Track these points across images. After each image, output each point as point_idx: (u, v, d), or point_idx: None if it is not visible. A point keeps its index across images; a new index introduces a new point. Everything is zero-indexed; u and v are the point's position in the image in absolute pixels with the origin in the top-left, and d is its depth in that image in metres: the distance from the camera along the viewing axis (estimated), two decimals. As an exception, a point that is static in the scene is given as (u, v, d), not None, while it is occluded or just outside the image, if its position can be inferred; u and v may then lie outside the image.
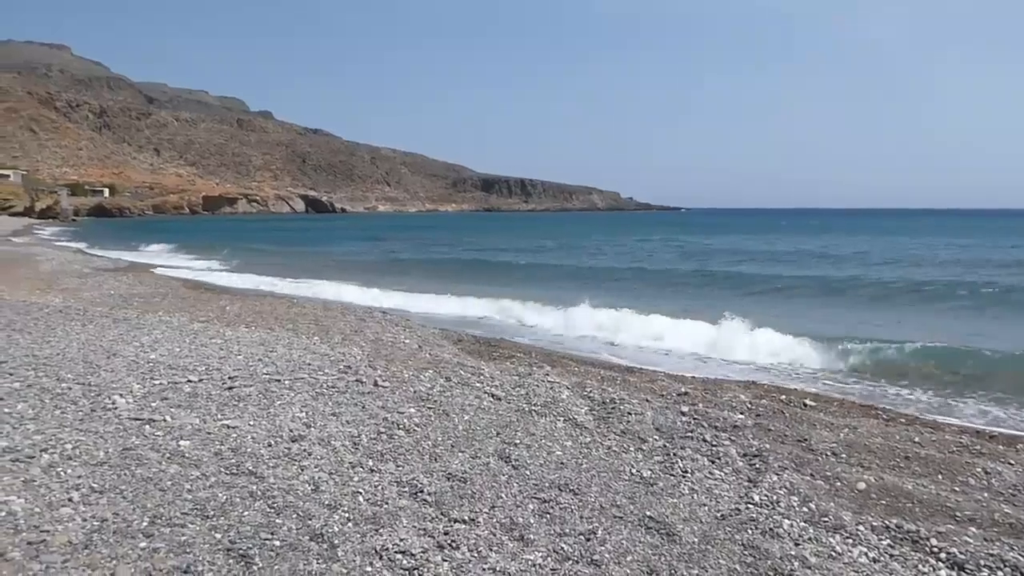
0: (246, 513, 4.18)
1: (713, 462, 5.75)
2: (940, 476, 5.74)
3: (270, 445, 5.31)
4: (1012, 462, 6.19)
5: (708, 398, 8.01)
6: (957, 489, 5.48)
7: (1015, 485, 5.60)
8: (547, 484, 5.01)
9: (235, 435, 5.46)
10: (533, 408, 6.97)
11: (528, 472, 5.22)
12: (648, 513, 4.63)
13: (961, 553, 4.25)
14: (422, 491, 4.69)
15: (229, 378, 7.19)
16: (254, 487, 4.55)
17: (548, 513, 4.54)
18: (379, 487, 4.73)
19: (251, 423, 5.79)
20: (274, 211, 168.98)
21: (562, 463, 5.50)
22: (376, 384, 7.34)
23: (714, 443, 6.20)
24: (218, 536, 3.89)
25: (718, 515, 4.72)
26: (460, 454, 5.48)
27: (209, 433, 5.46)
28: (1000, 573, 4.06)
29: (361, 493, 4.60)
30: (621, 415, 6.88)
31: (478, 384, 7.74)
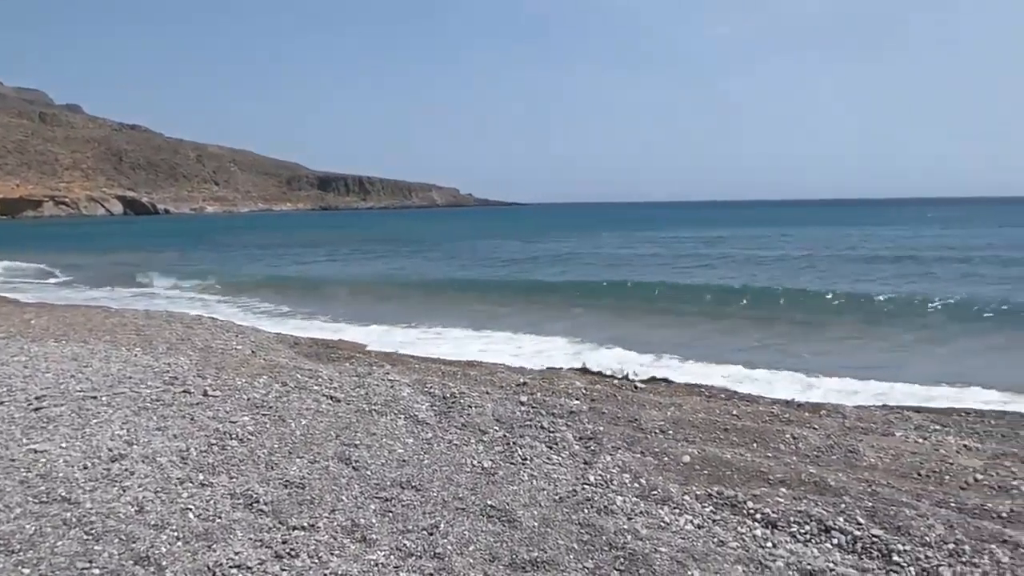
0: (59, 543, 3.87)
1: (551, 448, 5.94)
2: (755, 444, 6.24)
3: (86, 468, 4.93)
4: (816, 427, 6.82)
5: (546, 387, 8.25)
6: (770, 455, 5.98)
7: (818, 447, 6.18)
8: (389, 483, 4.98)
9: (44, 460, 5.03)
10: (373, 407, 6.89)
11: (369, 472, 5.16)
12: (490, 502, 4.71)
13: (774, 512, 4.64)
14: (258, 501, 4.53)
15: (36, 398, 6.60)
16: (68, 514, 4.21)
17: (390, 512, 4.52)
18: (211, 501, 4.51)
19: (63, 445, 5.34)
20: (87, 214, 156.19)
21: (404, 460, 5.48)
22: (206, 394, 6.99)
23: (552, 429, 6.40)
24: (26, 571, 3.58)
25: (556, 498, 4.88)
26: (298, 460, 5.34)
27: (13, 460, 4.99)
28: (806, 527, 4.47)
29: (191, 509, 4.37)
30: (462, 408, 6.95)
31: (316, 387, 7.56)
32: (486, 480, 5.17)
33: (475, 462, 5.51)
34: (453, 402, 7.17)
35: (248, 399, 6.89)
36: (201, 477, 4.90)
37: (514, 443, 6.01)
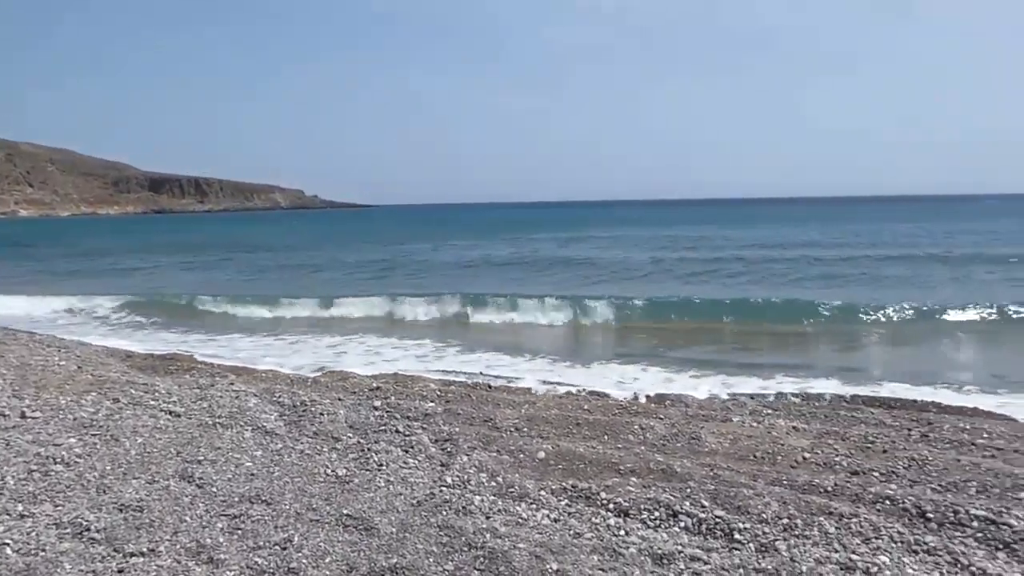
0: None
1: (407, 452, 5.87)
2: (606, 437, 6.45)
3: None
4: (662, 417, 7.15)
5: (400, 390, 8.15)
6: (620, 446, 6.19)
7: (664, 436, 6.47)
8: (237, 498, 4.73)
9: None
10: (218, 420, 6.53)
11: (215, 489, 4.88)
12: (345, 511, 4.58)
13: (625, 501, 4.80)
14: (89, 529, 4.16)
15: None
16: None
17: (239, 529, 4.29)
18: (32, 533, 4.10)
19: None
20: None
21: (252, 474, 5.23)
22: (24, 416, 6.36)
23: (407, 433, 6.32)
24: None
25: (414, 502, 4.82)
26: (134, 481, 4.96)
27: None
28: (656, 512, 4.66)
29: (8, 544, 3.95)
30: (313, 416, 6.73)
31: (152, 402, 7.06)
32: (341, 489, 5.02)
33: (329, 471, 5.34)
34: (304, 410, 6.92)
35: (75, 419, 6.33)
36: (20, 507, 4.43)
37: (369, 449, 5.88)
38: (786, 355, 11.89)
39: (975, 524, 4.52)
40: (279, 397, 7.45)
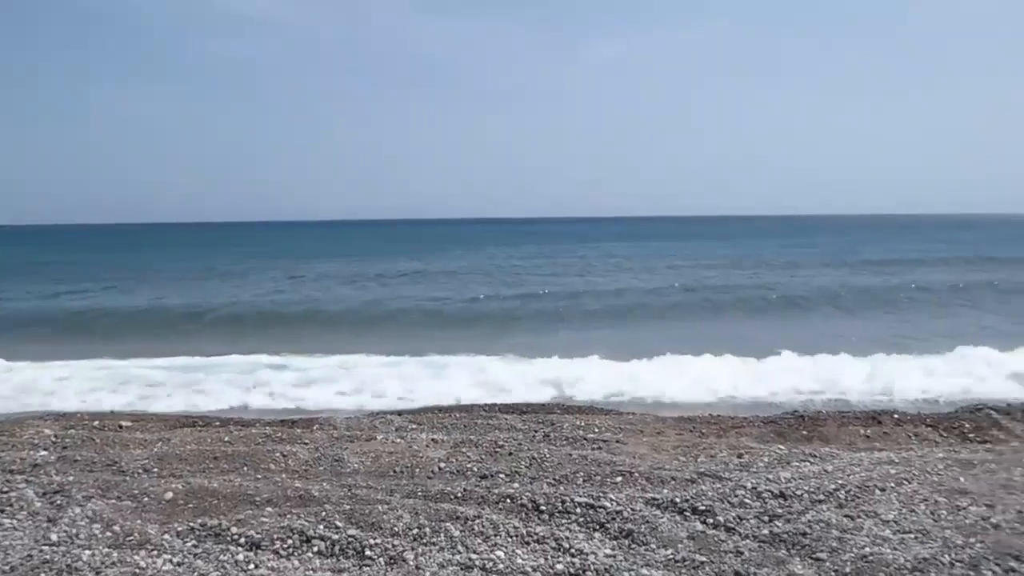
0: None
1: (2, 512, 5.08)
2: (245, 468, 6.20)
3: None
4: (307, 442, 7.06)
5: (3, 440, 7.05)
6: (259, 477, 5.99)
7: (307, 462, 6.41)
8: None
9: None
10: None
11: None
12: (-93, 593, 3.83)
13: (257, 533, 4.64)
14: None
15: None
16: None
17: None
18: None
19: None
20: None
21: None
22: None
23: (5, 489, 5.47)
24: None
25: (6, 568, 4.19)
26: None
27: None
28: (289, 540, 4.56)
29: None
30: None
31: None
32: (-96, 566, 4.19)
33: None
34: None
35: None
36: None
37: (-49, 514, 4.98)
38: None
39: (578, 511, 5.13)
40: None
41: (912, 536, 4.60)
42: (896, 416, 8.13)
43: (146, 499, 5.36)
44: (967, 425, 7.78)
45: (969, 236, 71.85)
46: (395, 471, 6.17)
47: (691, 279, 31.03)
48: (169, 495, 5.43)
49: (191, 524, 4.82)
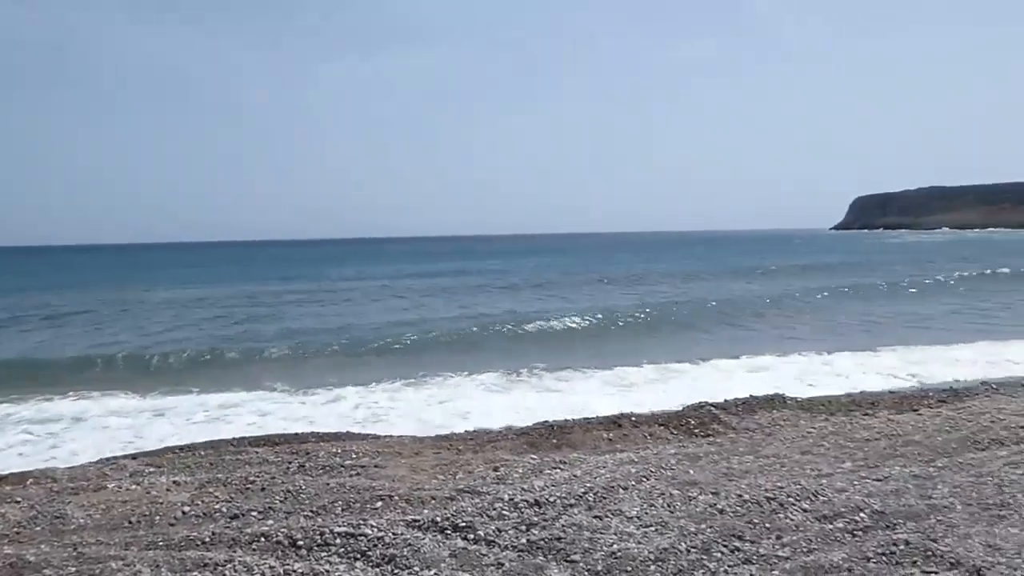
0: None
1: None
2: (-61, 538, 5.26)
3: None
4: (20, 499, 6.15)
5: None
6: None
7: (20, 522, 5.58)
8: None
9: None
10: None
11: None
12: None
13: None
14: None
15: None
16: None
17: None
18: None
19: None
20: None
21: None
22: None
23: None
24: None
25: None
26: None
27: None
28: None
29: None
30: None
31: None
32: None
33: None
34: None
35: None
36: None
37: None
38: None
39: (338, 541, 4.95)
40: None
41: (653, 529, 5.02)
42: (633, 419, 8.84)
43: None
44: (692, 422, 8.67)
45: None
46: (130, 522, 5.57)
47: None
48: None
49: None
